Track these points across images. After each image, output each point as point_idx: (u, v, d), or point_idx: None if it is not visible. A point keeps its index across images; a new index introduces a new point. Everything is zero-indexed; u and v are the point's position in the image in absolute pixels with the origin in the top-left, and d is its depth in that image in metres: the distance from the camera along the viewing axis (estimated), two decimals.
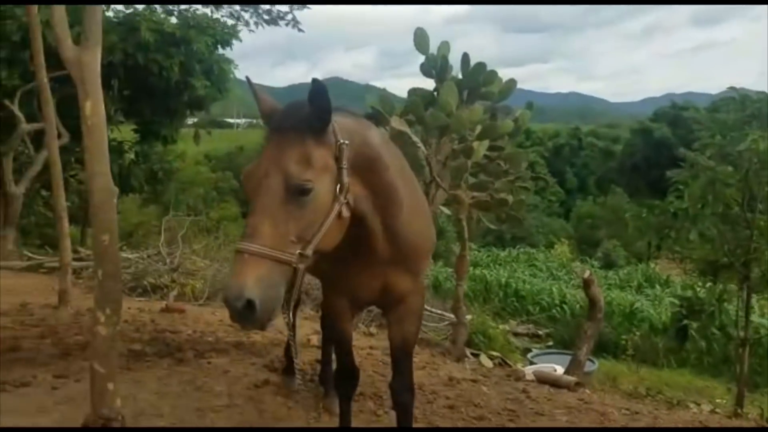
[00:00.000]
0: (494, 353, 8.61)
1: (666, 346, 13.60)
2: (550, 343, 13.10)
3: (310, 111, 2.35)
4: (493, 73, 6.92)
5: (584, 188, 57.54)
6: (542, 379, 5.53)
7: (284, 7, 10.52)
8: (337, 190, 2.41)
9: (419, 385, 5.09)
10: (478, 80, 6.96)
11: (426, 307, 10.97)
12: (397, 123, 6.66)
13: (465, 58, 7.08)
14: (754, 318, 13.54)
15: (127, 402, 3.94)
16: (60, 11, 3.62)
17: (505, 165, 7.31)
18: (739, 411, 6.50)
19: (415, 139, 6.79)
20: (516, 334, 12.10)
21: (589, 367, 7.81)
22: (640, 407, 5.09)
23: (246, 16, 11.44)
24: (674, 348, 13.66)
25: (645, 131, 51.34)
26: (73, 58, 3.43)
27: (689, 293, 13.53)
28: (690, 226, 6.85)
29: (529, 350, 10.99)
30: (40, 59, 6.78)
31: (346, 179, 2.43)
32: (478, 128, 6.54)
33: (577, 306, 16.69)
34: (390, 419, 4.21)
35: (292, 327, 2.58)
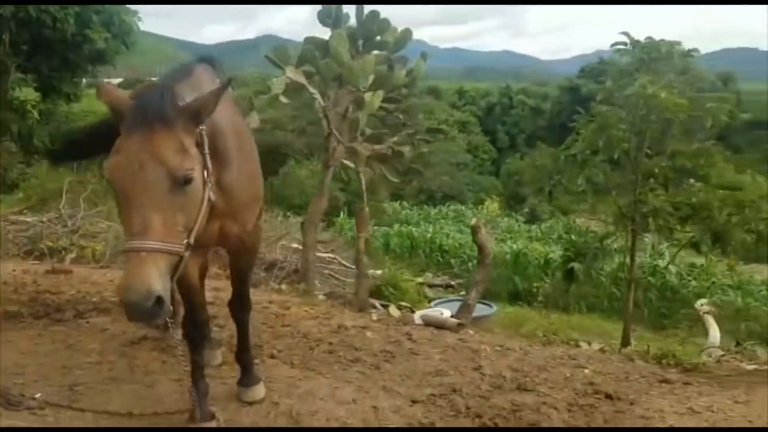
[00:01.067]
0: (404, 304, 8.79)
1: (557, 288, 14.15)
2: (463, 292, 13.45)
3: (173, 101, 2.43)
4: (386, 21, 6.87)
5: (515, 146, 58.50)
6: (429, 323, 5.66)
7: None
8: (205, 175, 2.56)
9: (305, 334, 5.16)
10: (371, 29, 6.89)
11: (342, 261, 11.07)
12: (292, 73, 6.55)
13: (359, 7, 6.99)
14: (661, 262, 14.28)
15: None
16: None
17: (403, 117, 7.34)
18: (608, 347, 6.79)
19: (312, 90, 6.70)
20: (431, 286, 12.39)
21: (485, 311, 8.06)
22: (514, 344, 5.28)
23: None
24: (563, 290, 14.21)
25: (572, 88, 52.42)
26: None
27: (576, 237, 14.15)
28: (578, 172, 7.05)
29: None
30: None
31: (209, 163, 2.59)
32: (371, 79, 6.50)
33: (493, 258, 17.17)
34: (263, 368, 4.25)
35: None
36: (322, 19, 7.09)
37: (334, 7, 6.96)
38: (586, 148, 6.97)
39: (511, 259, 17.52)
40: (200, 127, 2.55)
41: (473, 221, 6.89)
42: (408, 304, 8.68)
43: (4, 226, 9.09)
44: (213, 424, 3.35)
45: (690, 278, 14.79)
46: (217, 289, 6.53)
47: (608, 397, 4.17)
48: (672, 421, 3.68)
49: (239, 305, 3.76)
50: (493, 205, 33.92)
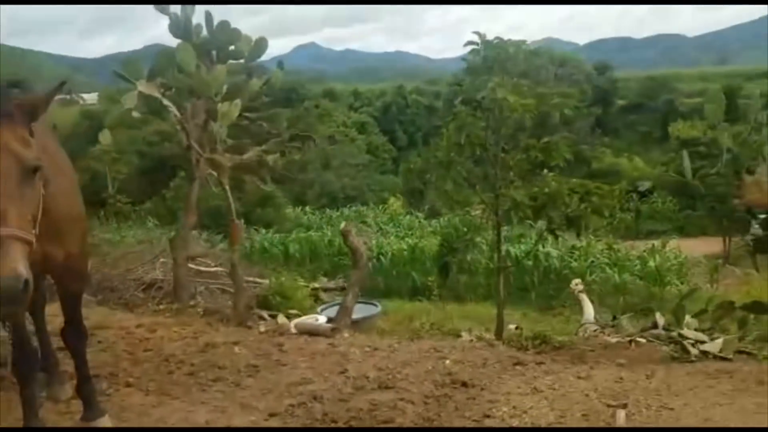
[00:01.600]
0: (293, 312, 8.70)
1: (435, 282, 14.54)
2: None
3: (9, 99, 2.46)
4: (236, 31, 6.80)
5: (414, 144, 59.60)
6: (302, 330, 5.64)
7: None
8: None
9: (166, 357, 5.01)
10: (222, 39, 6.80)
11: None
12: (144, 87, 6.35)
13: (208, 17, 6.88)
14: (541, 247, 14.94)
15: None
16: None
17: (267, 126, 7.28)
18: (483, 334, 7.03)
19: (166, 102, 6.51)
20: (326, 290, 12.33)
21: (370, 310, 8.13)
22: (382, 343, 5.36)
23: None
24: (441, 283, 14.64)
25: (459, 85, 53.89)
26: None
27: (448, 230, 14.65)
28: (445, 173, 7.25)
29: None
30: None
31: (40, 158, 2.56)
32: (224, 89, 6.40)
33: (390, 256, 17.46)
34: (117, 397, 4.09)
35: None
36: (173, 30, 6.91)
37: (183, 18, 6.80)
38: (450, 150, 7.17)
39: (408, 255, 17.78)
40: (31, 124, 2.54)
41: (342, 225, 6.94)
42: (297, 312, 8.60)
43: None
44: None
45: (572, 260, 15.54)
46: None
47: (464, 384, 4.31)
48: (515, 403, 3.84)
49: (73, 334, 3.61)
50: (396, 204, 34.28)
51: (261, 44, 7.02)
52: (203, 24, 6.96)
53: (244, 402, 4.07)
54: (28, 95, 2.68)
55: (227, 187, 6.55)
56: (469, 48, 7.70)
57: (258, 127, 7.20)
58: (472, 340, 6.04)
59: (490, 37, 7.45)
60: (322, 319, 6.30)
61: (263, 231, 20.56)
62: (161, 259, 9.98)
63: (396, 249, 18.05)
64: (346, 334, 5.66)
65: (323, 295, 11.99)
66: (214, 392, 4.26)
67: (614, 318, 8.25)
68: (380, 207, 33.08)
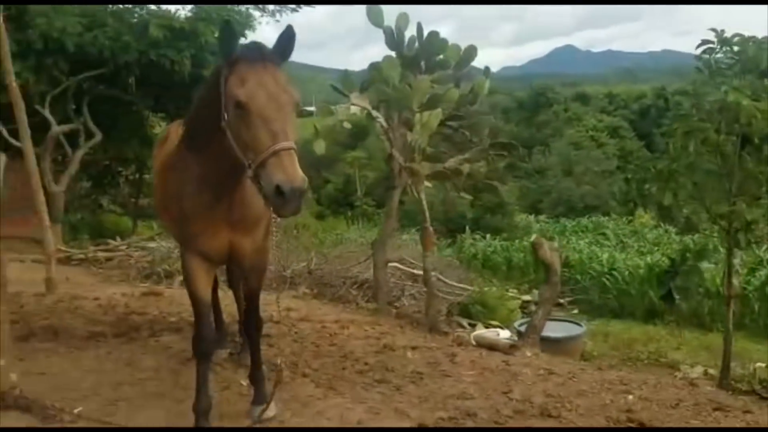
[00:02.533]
0: (493, 323, 8.55)
1: (660, 308, 12.93)
2: (575, 311, 12.78)
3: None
4: (443, 41, 6.86)
5: None
6: (481, 343, 5.50)
7: None
8: None
9: (346, 353, 5.25)
10: (429, 50, 6.92)
11: (440, 277, 10.97)
12: (356, 99, 6.76)
13: (419, 28, 7.04)
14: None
15: (42, 378, 4.35)
16: None
17: (469, 134, 7.24)
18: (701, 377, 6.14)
19: (375, 113, 6.86)
20: (538, 303, 11.88)
21: (572, 330, 7.60)
22: (563, 368, 4.97)
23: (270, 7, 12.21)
24: (666, 309, 12.95)
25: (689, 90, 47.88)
26: None
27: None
28: (663, 185, 6.47)
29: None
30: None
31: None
32: (425, 99, 6.49)
33: (627, 273, 16.08)
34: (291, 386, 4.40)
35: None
36: (388, 43, 7.21)
37: (396, 31, 7.05)
38: (676, 157, 6.39)
39: (644, 273, 16.28)
40: None
41: (533, 237, 6.59)
42: (497, 323, 8.44)
43: (130, 252, 10.20)
44: None
45: None
46: (289, 309, 6.85)
47: (641, 425, 3.83)
48: None
49: (251, 325, 3.94)
50: (644, 216, 31.61)
51: (469, 53, 7.00)
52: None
53: (399, 408, 4.08)
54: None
55: (422, 195, 6.65)
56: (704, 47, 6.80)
57: (461, 136, 7.19)
58: (677, 377, 5.32)
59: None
60: (504, 334, 6.09)
61: (487, 237, 20.48)
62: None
63: (631, 265, 16.66)
64: (528, 353, 5.39)
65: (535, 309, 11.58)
66: (375, 393, 4.35)
67: None
68: (625, 218, 30.74)
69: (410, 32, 7.16)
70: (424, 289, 10.22)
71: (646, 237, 25.27)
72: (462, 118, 7.01)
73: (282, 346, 5.37)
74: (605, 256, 17.49)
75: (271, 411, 3.86)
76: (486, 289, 9.43)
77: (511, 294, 10.81)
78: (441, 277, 11.08)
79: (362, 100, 6.79)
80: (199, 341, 3.64)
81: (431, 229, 6.70)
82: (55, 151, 12.47)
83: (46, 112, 11.53)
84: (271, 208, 2.91)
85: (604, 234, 26.13)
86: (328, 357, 5.12)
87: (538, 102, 59.80)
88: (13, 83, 6.64)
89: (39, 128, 11.89)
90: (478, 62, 7.40)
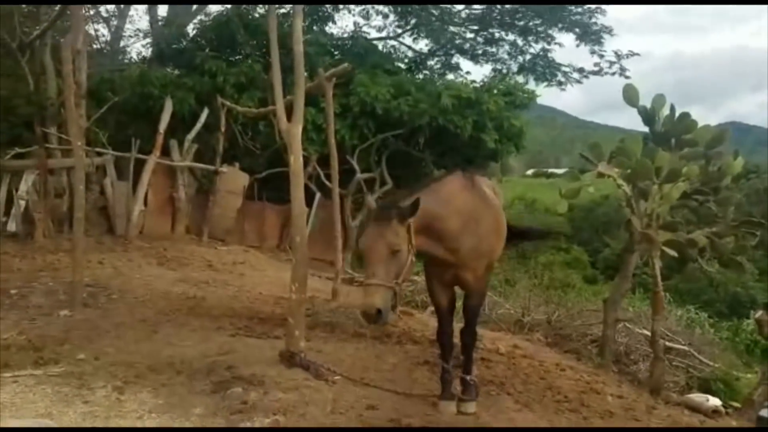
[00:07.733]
0: (734, 404, 8.22)
1: None
2: None
3: (397, 212, 4.19)
4: (693, 122, 7.31)
5: None
6: (687, 404, 5.77)
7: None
8: (409, 247, 4.21)
9: (550, 385, 5.98)
10: (679, 129, 7.40)
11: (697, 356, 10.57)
12: (603, 168, 7.57)
13: (672, 108, 7.59)
14: None
15: (319, 354, 5.96)
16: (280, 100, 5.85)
17: (716, 209, 7.45)
18: None
19: (620, 182, 7.54)
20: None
21: None
22: None
23: (559, 76, 13.77)
24: None
25: None
26: (285, 130, 5.68)
27: None
28: None
29: None
30: None
31: (413, 241, 4.23)
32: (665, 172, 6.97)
33: None
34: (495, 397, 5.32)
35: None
36: (642, 117, 7.88)
37: (649, 110, 7.70)
38: None
39: None
40: (408, 221, 4.19)
41: (758, 314, 6.44)
42: (737, 405, 8.10)
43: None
44: (452, 402, 4.82)
45: None
46: (516, 346, 7.71)
47: None
48: None
49: (467, 334, 5.05)
50: None
51: (721, 135, 7.37)
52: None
53: None
54: (402, 206, 4.22)
55: (656, 261, 7.06)
56: None
57: (706, 209, 7.44)
58: None
59: None
60: (714, 401, 6.13)
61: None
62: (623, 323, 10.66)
63: None
64: (733, 422, 5.51)
65: None
66: (563, 417, 5.08)
67: None
68: None
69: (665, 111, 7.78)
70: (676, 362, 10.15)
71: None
72: (707, 194, 7.29)
73: (497, 371, 6.31)
74: None
75: (471, 408, 4.88)
76: (734, 372, 9.01)
77: (749, 375, 9.99)
78: (693, 351, 10.75)
79: (609, 169, 7.52)
80: (440, 334, 5.06)
81: (662, 293, 7.04)
82: (356, 193, 15.09)
83: (354, 162, 14.22)
84: None
85: None
86: (534, 385, 5.93)
87: None
88: (332, 139, 8.83)
89: (346, 174, 14.73)
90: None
